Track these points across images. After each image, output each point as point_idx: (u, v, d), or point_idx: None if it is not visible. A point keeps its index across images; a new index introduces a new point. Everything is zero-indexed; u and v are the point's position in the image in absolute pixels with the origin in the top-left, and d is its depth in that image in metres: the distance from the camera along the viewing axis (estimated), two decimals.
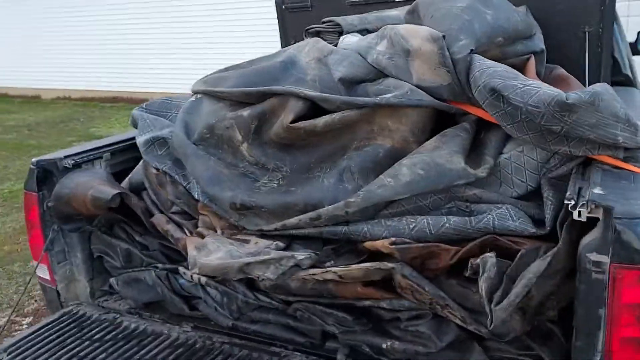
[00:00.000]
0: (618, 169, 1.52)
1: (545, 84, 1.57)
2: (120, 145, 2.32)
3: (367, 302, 1.68)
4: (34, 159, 2.13)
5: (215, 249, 1.70)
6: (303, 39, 2.48)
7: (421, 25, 2.04)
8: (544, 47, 2.18)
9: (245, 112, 1.91)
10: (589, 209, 1.31)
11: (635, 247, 1.25)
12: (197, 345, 1.86)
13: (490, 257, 1.42)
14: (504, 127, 1.65)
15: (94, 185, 1.99)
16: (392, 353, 1.67)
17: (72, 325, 2.04)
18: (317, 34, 2.61)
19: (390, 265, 1.54)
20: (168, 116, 2.24)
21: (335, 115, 1.79)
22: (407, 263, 1.56)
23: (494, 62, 1.71)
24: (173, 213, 2.00)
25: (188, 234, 1.94)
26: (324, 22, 2.63)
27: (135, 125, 2.28)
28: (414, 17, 2.25)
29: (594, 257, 1.30)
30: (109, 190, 1.95)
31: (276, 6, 3.30)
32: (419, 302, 1.60)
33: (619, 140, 1.48)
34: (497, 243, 1.51)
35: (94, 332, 1.99)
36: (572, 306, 1.43)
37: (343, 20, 2.44)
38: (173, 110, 2.25)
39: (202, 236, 1.88)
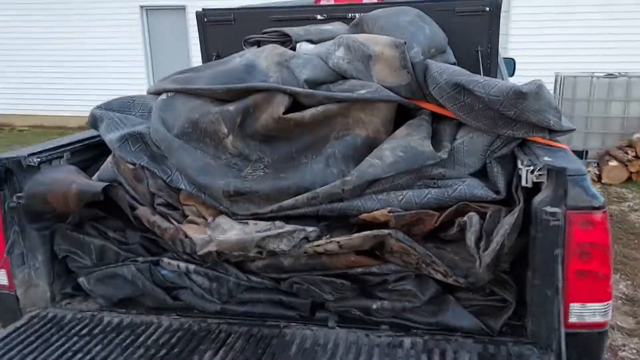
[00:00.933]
0: (548, 146, 1.96)
1: (496, 79, 1.98)
2: (79, 144, 2.30)
3: (359, 270, 1.92)
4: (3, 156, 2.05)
5: (229, 227, 1.83)
6: (224, 52, 2.78)
7: (365, 32, 2.38)
8: (455, 60, 2.63)
9: (231, 107, 2.07)
10: (544, 172, 1.71)
11: (582, 196, 1.66)
12: (195, 328, 1.94)
13: (474, 215, 1.76)
14: (459, 117, 2.02)
15: (75, 180, 1.98)
16: (382, 312, 1.93)
17: (48, 326, 1.98)
18: (257, 43, 2.81)
19: (386, 231, 1.80)
20: (132, 115, 2.28)
21: (320, 108, 2.03)
22: (398, 229, 1.84)
23: (447, 64, 2.08)
24: (158, 205, 2.06)
25: (176, 223, 2.02)
26: (264, 33, 2.83)
27: (94, 125, 2.29)
28: (357, 29, 2.58)
29: (549, 209, 1.68)
30: (97, 184, 1.96)
31: (197, 20, 3.40)
32: (405, 264, 1.88)
33: (551, 123, 1.91)
34: (468, 208, 1.85)
35: (77, 329, 1.96)
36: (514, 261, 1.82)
37: (291, 30, 2.68)
38: (137, 109, 2.30)
39: (195, 224, 1.98)
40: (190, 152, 2.04)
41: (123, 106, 2.32)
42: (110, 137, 2.15)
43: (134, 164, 2.10)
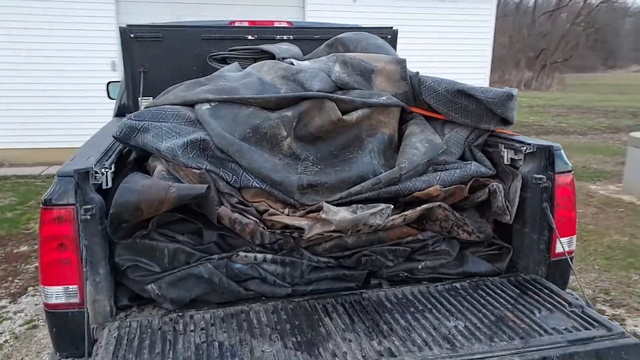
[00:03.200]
0: (510, 134, 2.72)
1: (488, 87, 2.66)
2: (113, 155, 2.30)
3: (408, 238, 2.40)
4: (62, 169, 1.98)
5: (337, 211, 2.13)
6: (151, 68, 3.18)
7: (349, 53, 2.88)
8: None
9: (289, 113, 2.37)
10: (534, 149, 2.43)
11: (563, 164, 2.42)
12: (291, 306, 2.18)
13: (498, 184, 2.40)
14: (451, 116, 2.65)
15: (170, 184, 2.05)
16: (424, 270, 2.43)
17: (150, 331, 2.00)
18: (223, 60, 3.08)
19: (437, 203, 2.33)
20: (168, 124, 2.37)
21: (359, 112, 2.47)
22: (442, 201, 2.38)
23: (437, 77, 2.70)
24: (236, 204, 2.23)
25: (254, 219, 2.22)
26: (232, 50, 3.11)
27: (129, 136, 2.32)
28: (332, 49, 3.05)
29: (538, 175, 2.42)
30: (198, 186, 2.07)
31: (122, 35, 3.45)
32: (441, 229, 2.43)
33: (514, 118, 2.67)
34: (479, 181, 2.49)
35: (181, 327, 2.03)
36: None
37: (269, 48, 3.01)
38: (172, 119, 2.40)
39: (272, 215, 2.23)
40: (259, 154, 2.28)
41: (156, 116, 2.39)
42: (167, 145, 2.24)
43: (199, 169, 2.24)
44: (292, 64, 2.82)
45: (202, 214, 2.25)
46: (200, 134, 2.28)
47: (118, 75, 9.31)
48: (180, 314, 2.14)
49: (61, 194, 1.96)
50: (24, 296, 4.36)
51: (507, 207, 2.38)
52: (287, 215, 2.24)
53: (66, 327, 2.06)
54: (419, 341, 1.92)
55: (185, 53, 3.56)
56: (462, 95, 2.58)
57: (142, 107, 3.46)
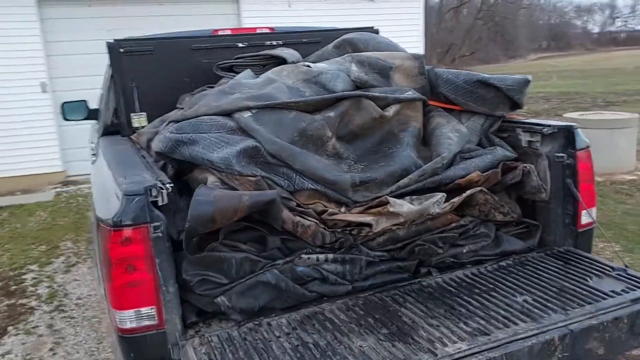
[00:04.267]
0: (523, 119, 2.89)
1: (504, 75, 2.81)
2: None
3: (453, 224, 2.50)
4: (128, 188, 1.91)
5: (402, 203, 2.19)
6: (143, 82, 3.19)
7: (359, 52, 2.95)
8: None
9: (332, 113, 2.40)
10: (555, 130, 2.61)
11: (582, 141, 2.61)
12: (361, 302, 2.22)
13: (530, 165, 2.55)
14: (469, 106, 2.78)
15: (241, 193, 2.03)
16: (468, 254, 2.55)
17: (234, 347, 1.97)
18: (230, 68, 3.08)
19: (479, 188, 2.45)
20: (209, 134, 2.34)
21: (394, 107, 2.54)
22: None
23: (453, 70, 2.83)
24: (296, 207, 2.23)
25: (314, 220, 2.24)
26: (238, 58, 3.11)
27: (174, 149, 2.28)
28: (340, 50, 3.10)
29: (560, 154, 2.60)
30: (269, 192, 2.06)
31: (110, 51, 3.34)
32: (480, 213, 2.55)
33: (524, 103, 2.84)
34: (507, 164, 2.64)
35: (266, 335, 2.01)
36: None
37: (282, 52, 3.03)
38: (213, 129, 2.37)
39: (333, 214, 2.26)
40: (311, 156, 2.30)
41: (197, 128, 2.35)
42: (220, 155, 2.21)
43: (255, 176, 2.23)
44: (309, 67, 2.84)
45: (260, 221, 2.24)
46: (250, 142, 2.27)
47: (49, 97, 8.88)
48: (256, 322, 2.13)
49: (133, 213, 1.89)
50: (6, 336, 4.09)
51: (542, 185, 2.54)
52: (346, 213, 2.28)
53: (145, 350, 1.99)
54: (501, 318, 2.02)
55: (176, 65, 3.50)
56: (481, 85, 2.72)
57: (134, 124, 3.37)
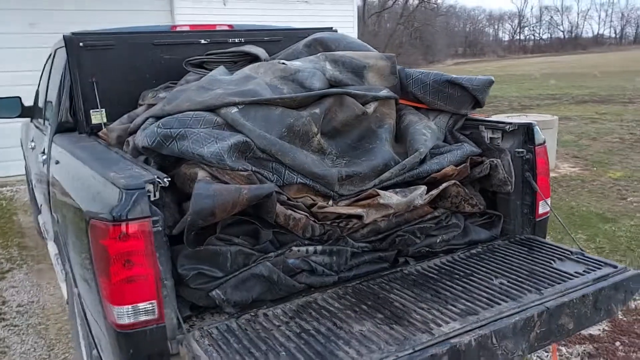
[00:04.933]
0: (484, 117, 3.10)
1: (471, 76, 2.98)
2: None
3: (428, 216, 2.65)
4: (128, 183, 1.89)
5: (391, 195, 2.29)
6: (102, 77, 3.15)
7: (331, 51, 3.05)
8: None
9: (317, 110, 2.47)
10: (516, 127, 2.82)
11: (539, 137, 2.83)
12: (351, 290, 2.31)
13: (496, 159, 2.74)
14: (437, 105, 2.95)
15: (240, 187, 2.05)
16: (441, 244, 2.70)
17: (237, 337, 1.99)
18: (201, 64, 3.09)
19: (453, 181, 2.61)
20: (196, 129, 2.35)
21: (373, 104, 2.66)
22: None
23: (422, 70, 2.98)
24: (285, 201, 2.28)
25: (305, 214, 2.30)
26: (210, 54, 3.12)
27: (162, 144, 2.27)
28: (311, 49, 3.18)
29: (520, 149, 2.82)
30: (266, 186, 2.09)
31: (68, 44, 3.25)
32: (452, 205, 2.72)
33: (484, 102, 3.05)
34: (474, 159, 2.82)
35: (266, 324, 2.05)
36: None
37: (254, 49, 3.07)
38: (200, 124, 2.37)
39: (323, 207, 2.33)
40: (299, 151, 2.36)
41: (184, 123, 2.34)
42: (211, 150, 2.23)
43: (246, 170, 2.26)
44: (285, 64, 2.90)
45: (252, 214, 2.27)
46: (240, 137, 2.30)
47: None
48: (252, 314, 2.16)
49: (134, 207, 1.88)
50: None
51: (508, 178, 2.74)
52: (335, 206, 2.36)
53: (145, 345, 1.97)
54: (484, 299, 2.18)
55: (137, 60, 3.43)
56: (449, 84, 2.89)
57: (93, 120, 3.28)
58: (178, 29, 3.83)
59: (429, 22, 49.69)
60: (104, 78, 3.31)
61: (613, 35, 77.04)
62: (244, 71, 2.81)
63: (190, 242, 2.04)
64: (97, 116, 3.32)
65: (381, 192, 2.33)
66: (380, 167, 2.53)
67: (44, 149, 3.67)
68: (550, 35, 71.34)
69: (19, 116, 5.15)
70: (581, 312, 2.21)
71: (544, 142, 2.88)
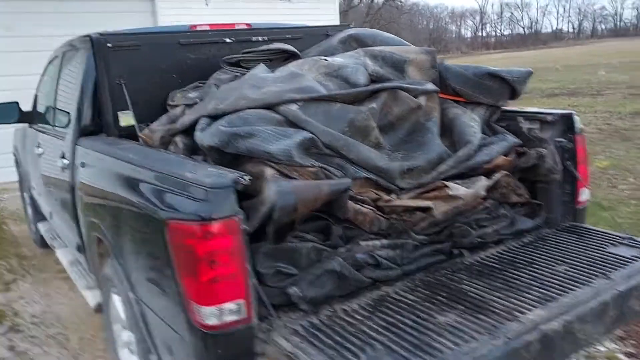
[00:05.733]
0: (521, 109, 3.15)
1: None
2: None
3: (480, 207, 2.68)
4: (215, 181, 1.86)
5: (459, 187, 2.31)
6: (129, 78, 3.07)
7: (367, 47, 3.06)
8: None
9: (374, 104, 2.48)
10: (558, 117, 2.88)
11: (578, 126, 2.90)
12: (419, 283, 2.32)
13: (540, 149, 2.79)
14: (476, 98, 2.98)
15: (319, 182, 2.04)
16: (492, 234, 2.74)
17: (325, 333, 1.98)
18: (238, 63, 3.06)
19: (504, 172, 2.65)
20: (265, 127, 2.32)
21: (422, 98, 2.67)
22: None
23: (462, 64, 3.01)
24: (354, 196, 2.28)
25: (371, 208, 2.31)
26: (245, 52, 3.09)
27: (228, 143, 2.25)
28: (346, 45, 3.17)
29: (560, 139, 2.89)
30: (343, 180, 2.09)
31: (95, 45, 3.18)
32: (501, 195, 2.76)
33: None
34: (518, 149, 2.87)
35: (352, 319, 2.05)
36: None
37: (288, 46, 3.06)
38: (261, 122, 2.35)
39: (390, 201, 2.34)
40: (363, 146, 2.37)
41: (247, 121, 2.32)
42: (280, 147, 2.21)
43: (314, 167, 2.25)
44: (327, 60, 2.89)
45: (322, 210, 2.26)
46: (306, 133, 2.29)
47: None
48: (330, 310, 2.15)
49: (223, 205, 1.85)
50: None
51: (554, 167, 2.80)
52: (402, 199, 2.37)
53: (234, 345, 1.94)
54: (557, 287, 2.22)
55: (163, 61, 3.38)
56: (489, 77, 2.93)
57: (122, 122, 3.21)
58: (198, 28, 3.78)
59: (394, 20, 50.12)
60: (131, 79, 3.24)
61: (571, 30, 79.37)
62: (289, 68, 2.79)
63: (274, 239, 2.02)
64: (126, 118, 3.25)
65: (449, 184, 2.35)
66: (435, 160, 2.55)
67: (62, 154, 3.57)
68: (512, 31, 73.10)
69: (17, 122, 5.00)
70: None
71: (582, 130, 2.95)
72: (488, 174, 2.66)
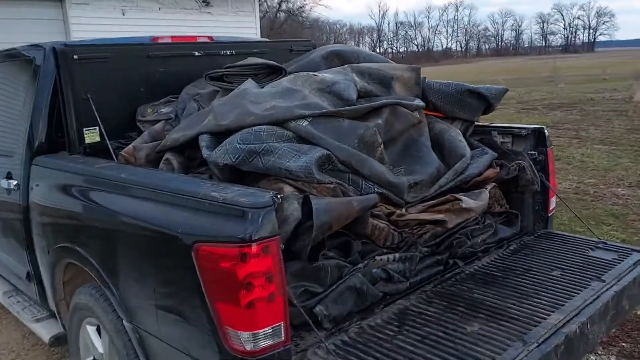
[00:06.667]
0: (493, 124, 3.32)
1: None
2: None
3: (472, 219, 2.78)
4: (252, 201, 1.78)
5: (468, 200, 2.37)
6: (96, 92, 2.91)
7: (350, 64, 3.10)
8: None
9: (380, 120, 2.50)
10: (530, 132, 3.07)
11: (549, 140, 3.10)
12: (432, 294, 2.36)
13: (521, 162, 2.95)
14: (455, 113, 3.11)
15: (350, 199, 2.01)
16: (480, 243, 2.85)
17: (359, 348, 1.96)
18: (221, 77, 3.00)
19: (493, 183, 2.78)
20: (270, 143, 2.27)
21: (417, 113, 2.74)
22: None
23: (443, 81, 3.12)
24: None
25: (384, 223, 2.32)
26: (228, 67, 3.02)
27: (245, 160, 2.18)
28: (327, 61, 3.18)
29: (532, 152, 3.08)
30: (370, 196, 2.06)
31: (61, 57, 2.95)
32: (491, 206, 2.88)
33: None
34: (494, 164, 3.02)
35: (379, 336, 2.04)
36: None
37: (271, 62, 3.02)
38: (272, 138, 2.29)
39: (402, 215, 2.37)
40: (374, 161, 2.37)
41: (259, 138, 2.25)
42: (298, 164, 2.17)
43: (331, 183, 2.23)
44: (317, 76, 2.88)
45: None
46: (323, 150, 2.26)
47: None
48: (357, 326, 2.13)
49: (264, 226, 1.77)
50: None
51: (534, 179, 2.97)
52: (414, 213, 2.41)
53: None
54: (561, 291, 2.35)
55: (131, 73, 3.20)
56: (469, 93, 3.07)
57: (87, 140, 3.00)
58: (161, 40, 3.62)
59: (296, 35, 50.82)
60: (97, 93, 3.03)
61: (459, 48, 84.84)
62: (282, 84, 2.75)
63: (309, 258, 1.97)
64: (92, 134, 3.03)
65: (462, 197, 2.43)
66: (435, 174, 2.62)
67: (7, 174, 3.26)
68: (407, 48, 76.76)
69: None
70: (632, 293, 2.47)
71: (552, 144, 3.17)
72: (477, 186, 2.78)
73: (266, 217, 1.77)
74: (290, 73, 3.04)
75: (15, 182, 3.16)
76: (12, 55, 3.62)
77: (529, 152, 3.07)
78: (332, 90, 2.75)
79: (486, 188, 2.72)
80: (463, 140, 2.88)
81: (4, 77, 3.74)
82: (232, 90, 2.88)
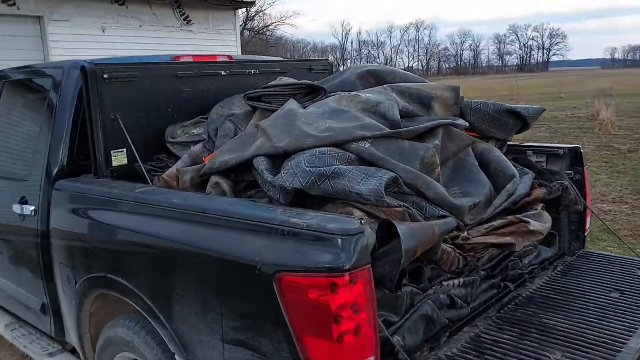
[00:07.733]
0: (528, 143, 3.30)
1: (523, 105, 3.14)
2: None
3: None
4: (341, 228, 1.68)
5: (535, 222, 2.31)
6: (124, 111, 2.81)
7: (387, 83, 3.04)
8: None
9: (437, 140, 2.44)
10: (566, 151, 3.07)
11: (584, 159, 3.10)
12: (499, 320, 2.29)
13: (564, 181, 2.93)
14: (492, 133, 3.07)
15: (431, 223, 1.92)
16: (527, 264, 2.81)
17: None
18: (259, 98, 2.90)
19: (541, 204, 2.74)
20: (333, 166, 2.18)
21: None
22: None
23: (480, 100, 3.09)
24: None
25: (451, 247, 2.24)
26: (267, 87, 2.93)
27: (313, 185, 2.08)
28: (363, 81, 3.11)
29: (568, 171, 3.07)
30: (449, 220, 1.98)
31: (89, 76, 2.79)
32: None
33: None
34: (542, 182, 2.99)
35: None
36: None
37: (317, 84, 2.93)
38: (334, 162, 2.21)
39: (467, 239, 2.30)
40: (437, 184, 2.30)
41: (325, 160, 2.16)
42: (368, 187, 2.07)
43: (400, 206, 2.14)
44: (359, 96, 2.81)
45: None
46: (390, 172, 2.18)
47: None
48: (436, 356, 2.04)
49: (359, 253, 1.67)
50: None
51: (578, 198, 2.96)
52: (481, 236, 2.34)
53: None
54: (627, 312, 2.32)
55: (159, 93, 3.07)
56: (507, 113, 3.04)
57: (114, 162, 2.84)
58: (182, 59, 3.50)
59: (261, 53, 50.96)
60: (125, 113, 2.89)
61: (420, 67, 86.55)
62: (329, 104, 2.66)
63: (396, 287, 1.87)
64: (120, 157, 2.88)
65: (529, 219, 2.38)
66: (489, 195, 2.57)
67: (22, 199, 3.06)
68: None
69: None
70: None
71: (586, 164, 3.17)
72: (524, 206, 2.74)
73: (358, 244, 1.68)
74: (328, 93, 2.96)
75: (32, 208, 2.96)
76: (30, 73, 3.44)
77: (566, 171, 3.06)
78: (377, 111, 2.68)
79: (536, 209, 2.68)
80: (507, 160, 2.84)
81: (15, 97, 3.55)
82: (271, 110, 2.78)
